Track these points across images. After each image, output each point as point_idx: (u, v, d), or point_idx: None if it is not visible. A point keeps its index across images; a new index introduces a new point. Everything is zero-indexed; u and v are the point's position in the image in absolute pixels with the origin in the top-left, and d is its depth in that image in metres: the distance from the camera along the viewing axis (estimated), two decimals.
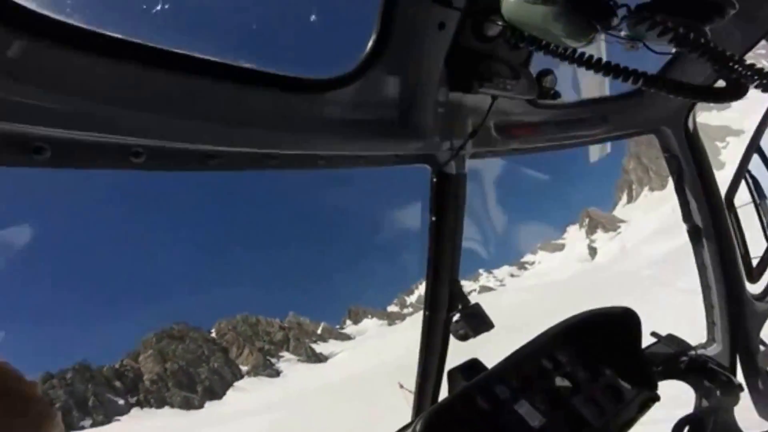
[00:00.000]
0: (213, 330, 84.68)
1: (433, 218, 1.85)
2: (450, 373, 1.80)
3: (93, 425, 62.40)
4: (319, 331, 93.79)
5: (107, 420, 63.15)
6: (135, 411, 66.75)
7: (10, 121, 0.87)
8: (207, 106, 1.08)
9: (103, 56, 0.93)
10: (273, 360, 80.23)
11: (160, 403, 69.15)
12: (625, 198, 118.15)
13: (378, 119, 1.49)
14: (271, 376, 73.53)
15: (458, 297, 1.92)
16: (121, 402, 69.07)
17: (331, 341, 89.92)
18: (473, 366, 1.77)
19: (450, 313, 1.95)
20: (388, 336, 71.99)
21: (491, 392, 1.59)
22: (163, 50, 1.01)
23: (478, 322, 1.84)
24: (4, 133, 0.89)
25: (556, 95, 1.69)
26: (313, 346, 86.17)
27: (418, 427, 1.38)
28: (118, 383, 71.65)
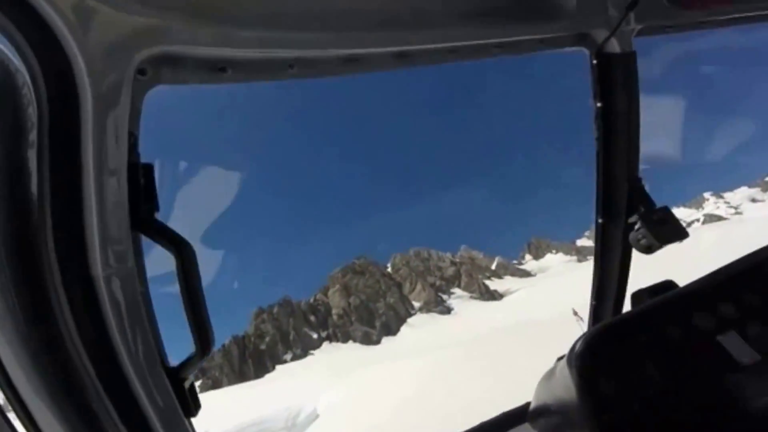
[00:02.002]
0: (389, 264, 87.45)
1: (599, 104, 1.71)
2: (636, 295, 1.50)
3: (293, 359, 69.52)
4: (493, 267, 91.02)
5: (304, 354, 70.35)
6: (325, 345, 74.89)
7: (198, 45, 1.09)
8: (342, 14, 1.27)
9: None
10: (444, 297, 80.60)
11: (345, 338, 75.24)
12: None
13: (507, 2, 1.46)
14: (442, 313, 75.14)
15: (639, 199, 1.72)
16: (315, 336, 76.98)
17: (507, 278, 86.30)
18: (668, 288, 1.47)
19: (629, 219, 1.73)
20: (577, 273, 64.28)
21: (686, 317, 1.33)
22: None
23: (665, 230, 1.62)
24: (193, 57, 1.12)
25: None
26: (487, 282, 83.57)
27: (578, 347, 1.24)
28: (312, 317, 79.47)
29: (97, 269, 1.02)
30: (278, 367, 65.73)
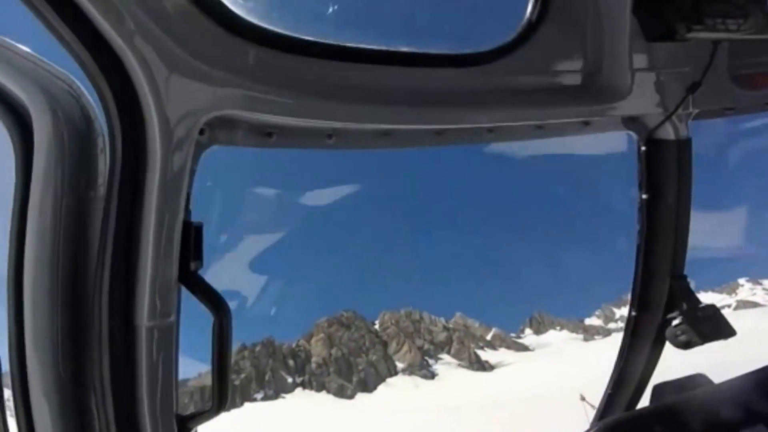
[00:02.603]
0: (377, 321, 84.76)
1: (644, 196, 1.64)
2: (658, 387, 1.59)
3: (264, 399, 67.96)
4: (488, 337, 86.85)
5: (275, 396, 68.52)
6: (298, 391, 72.50)
7: (253, 111, 1.16)
8: (384, 89, 1.30)
9: (308, 56, 1.22)
10: (431, 361, 77.06)
11: (320, 388, 72.86)
12: None
13: (554, 84, 1.41)
14: (425, 377, 71.75)
15: (683, 296, 1.65)
16: (290, 380, 74.16)
17: (502, 350, 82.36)
18: (698, 381, 1.58)
19: (667, 315, 1.70)
20: (580, 353, 60.68)
21: (714, 412, 1.37)
22: (345, 46, 1.29)
23: (710, 327, 1.54)
24: (246, 121, 1.20)
25: None
26: (479, 352, 79.52)
27: None
28: (291, 362, 76.74)
29: (142, 319, 1.09)
30: (246, 404, 63.65)
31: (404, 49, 1.36)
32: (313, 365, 74.73)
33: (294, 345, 77.97)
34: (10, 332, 1.11)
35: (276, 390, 68.18)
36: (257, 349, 72.28)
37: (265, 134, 1.22)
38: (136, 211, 1.06)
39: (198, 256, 1.14)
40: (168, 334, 1.12)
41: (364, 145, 1.33)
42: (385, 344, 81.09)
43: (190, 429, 1.21)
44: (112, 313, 1.06)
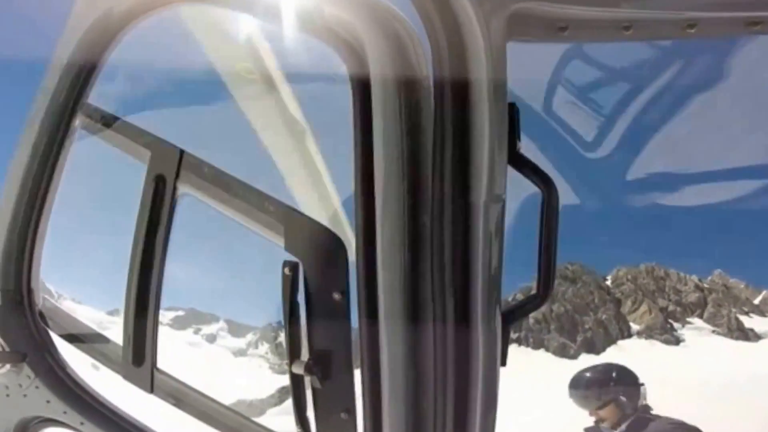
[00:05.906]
0: (609, 277, 79.28)
1: None
2: None
3: None
4: (756, 301, 72.52)
5: None
6: (512, 347, 72.20)
7: (550, 2, 1.25)
8: None
9: None
10: (676, 325, 68.09)
11: (537, 345, 71.21)
12: None
13: None
14: (668, 342, 62.89)
15: None
16: None
17: None
18: None
19: None
20: None
21: None
22: None
23: None
24: (541, 16, 1.28)
25: None
26: (742, 318, 67.21)
27: None
28: None
29: (480, 197, 1.21)
30: None
31: None
32: (530, 321, 74.18)
33: (511, 299, 78.64)
34: (357, 219, 1.25)
35: None
36: None
37: (558, 28, 1.31)
38: (466, 100, 1.20)
39: (519, 136, 1.27)
40: (501, 213, 1.24)
41: (666, 36, 1.40)
42: (619, 302, 75.32)
43: (513, 320, 1.30)
44: (453, 192, 1.19)
